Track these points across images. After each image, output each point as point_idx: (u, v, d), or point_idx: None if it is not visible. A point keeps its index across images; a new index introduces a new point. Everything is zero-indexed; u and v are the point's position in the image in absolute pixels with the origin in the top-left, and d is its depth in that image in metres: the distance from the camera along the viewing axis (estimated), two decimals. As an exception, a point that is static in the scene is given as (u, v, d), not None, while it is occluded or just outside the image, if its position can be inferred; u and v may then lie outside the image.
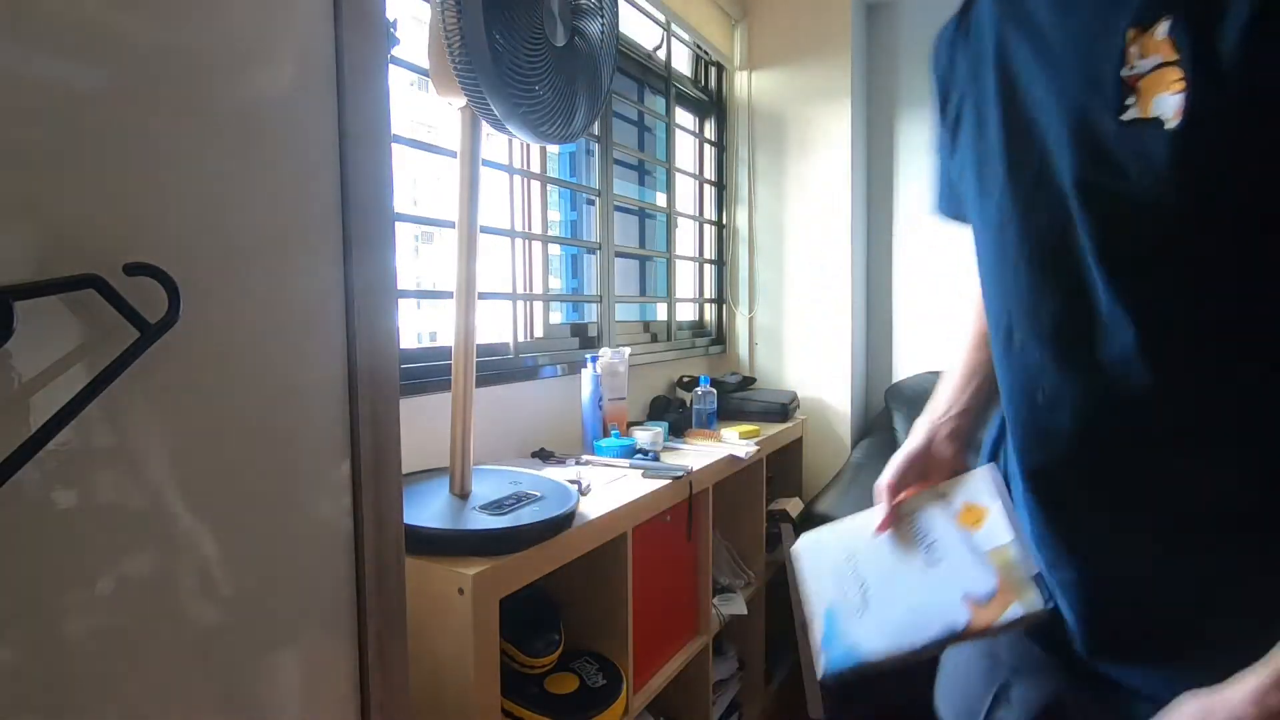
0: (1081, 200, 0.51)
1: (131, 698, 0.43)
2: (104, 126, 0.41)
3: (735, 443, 1.63)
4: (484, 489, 1.06)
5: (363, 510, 0.56)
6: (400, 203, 0.85)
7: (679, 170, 2.20)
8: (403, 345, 1.24)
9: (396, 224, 0.62)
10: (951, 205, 0.74)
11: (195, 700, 0.46)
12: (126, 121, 0.42)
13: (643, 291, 2.28)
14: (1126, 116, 0.48)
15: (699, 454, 1.52)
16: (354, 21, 0.54)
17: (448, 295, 1.02)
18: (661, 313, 2.20)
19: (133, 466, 0.43)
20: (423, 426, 1.20)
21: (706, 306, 2.45)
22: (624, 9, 1.82)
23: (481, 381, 1.35)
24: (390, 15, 0.85)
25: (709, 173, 2.40)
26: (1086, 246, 0.52)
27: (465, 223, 0.98)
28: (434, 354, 1.32)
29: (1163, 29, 0.46)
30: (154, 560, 0.44)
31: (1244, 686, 0.46)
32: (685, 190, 2.34)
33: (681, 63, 2.29)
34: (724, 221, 2.44)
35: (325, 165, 0.53)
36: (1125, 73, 0.48)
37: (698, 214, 2.39)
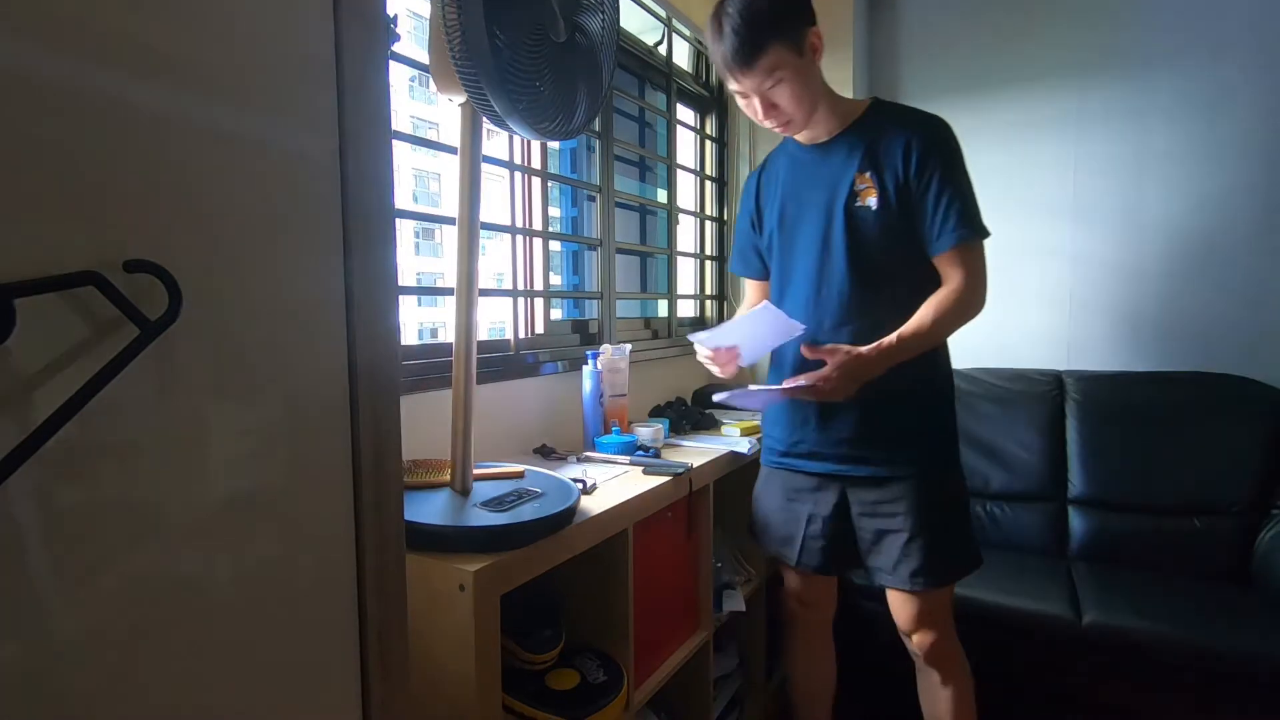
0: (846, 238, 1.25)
1: (131, 696, 0.43)
2: (104, 124, 0.41)
3: (736, 439, 1.63)
4: (485, 486, 1.06)
5: (363, 508, 0.56)
6: (401, 199, 0.85)
7: (680, 166, 2.20)
8: (404, 342, 1.24)
9: (397, 221, 0.62)
10: (747, 267, 1.48)
11: (195, 699, 0.46)
12: (126, 119, 0.42)
13: (644, 288, 2.28)
14: (857, 203, 1.23)
15: (700, 451, 1.52)
16: (353, 18, 0.54)
17: (448, 292, 1.02)
18: (662, 309, 2.20)
19: (133, 464, 0.43)
20: (424, 423, 1.21)
21: (708, 303, 2.45)
22: (625, 5, 1.81)
23: (482, 378, 1.35)
24: (390, 11, 0.85)
25: (710, 169, 2.40)
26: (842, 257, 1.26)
27: (466, 219, 0.98)
28: (435, 350, 1.32)
29: (868, 174, 1.23)
30: (154, 558, 0.44)
31: (873, 345, 1.18)
32: (686, 186, 2.34)
33: (682, 58, 2.28)
34: (725, 217, 2.43)
35: (325, 162, 0.53)
36: (856, 188, 1.23)
37: (698, 210, 2.39)
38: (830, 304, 1.26)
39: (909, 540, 1.23)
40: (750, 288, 1.51)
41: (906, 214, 1.20)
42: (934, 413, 1.27)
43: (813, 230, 1.29)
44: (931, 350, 1.23)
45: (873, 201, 1.21)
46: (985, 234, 1.20)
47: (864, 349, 1.17)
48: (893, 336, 1.18)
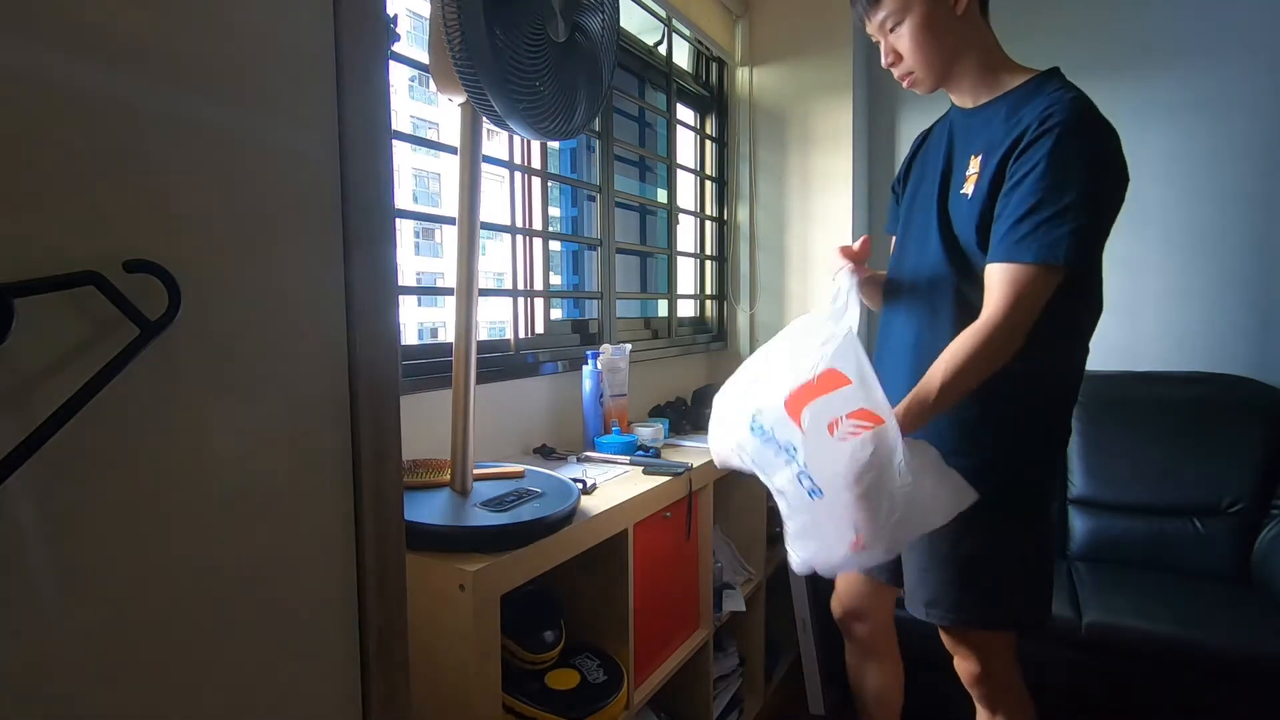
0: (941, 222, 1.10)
1: (131, 697, 0.43)
2: (104, 124, 0.41)
3: (736, 439, 1.62)
4: (485, 486, 1.06)
5: (363, 508, 0.56)
6: (401, 199, 0.85)
7: (680, 166, 2.20)
8: (404, 342, 1.24)
9: (397, 221, 0.62)
10: (894, 226, 1.27)
11: (195, 699, 0.46)
12: (127, 119, 0.42)
13: (644, 288, 2.28)
14: (961, 190, 1.06)
15: (700, 451, 1.52)
16: (353, 18, 0.54)
17: (448, 292, 1.02)
18: (662, 309, 2.20)
19: (133, 464, 0.43)
20: (424, 423, 1.21)
21: (707, 303, 2.45)
22: (625, 5, 1.81)
23: (482, 378, 1.35)
24: (390, 11, 0.85)
25: (710, 168, 2.40)
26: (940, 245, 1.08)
27: (466, 219, 0.98)
28: (435, 350, 1.32)
29: (980, 157, 1.04)
30: (153, 558, 0.44)
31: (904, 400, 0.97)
32: (686, 186, 2.34)
33: (682, 58, 2.28)
34: (725, 217, 2.43)
35: (325, 162, 0.53)
36: (967, 172, 1.06)
37: (698, 210, 2.39)
38: (930, 304, 1.09)
39: (924, 569, 1.09)
40: None
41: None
42: (1011, 434, 1.04)
43: (925, 211, 1.12)
44: (1027, 358, 0.98)
45: (970, 191, 1.03)
46: (1057, 259, 0.92)
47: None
48: (901, 405, 0.97)
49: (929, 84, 1.09)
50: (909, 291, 1.14)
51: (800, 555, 0.97)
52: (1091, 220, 0.94)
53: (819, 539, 0.93)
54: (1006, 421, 1.04)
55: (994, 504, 0.97)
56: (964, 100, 1.11)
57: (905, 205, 1.20)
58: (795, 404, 0.94)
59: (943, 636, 1.15)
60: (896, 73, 1.11)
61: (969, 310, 1.02)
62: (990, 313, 0.96)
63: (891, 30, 1.06)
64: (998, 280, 0.96)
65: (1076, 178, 0.93)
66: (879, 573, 1.21)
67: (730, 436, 1.03)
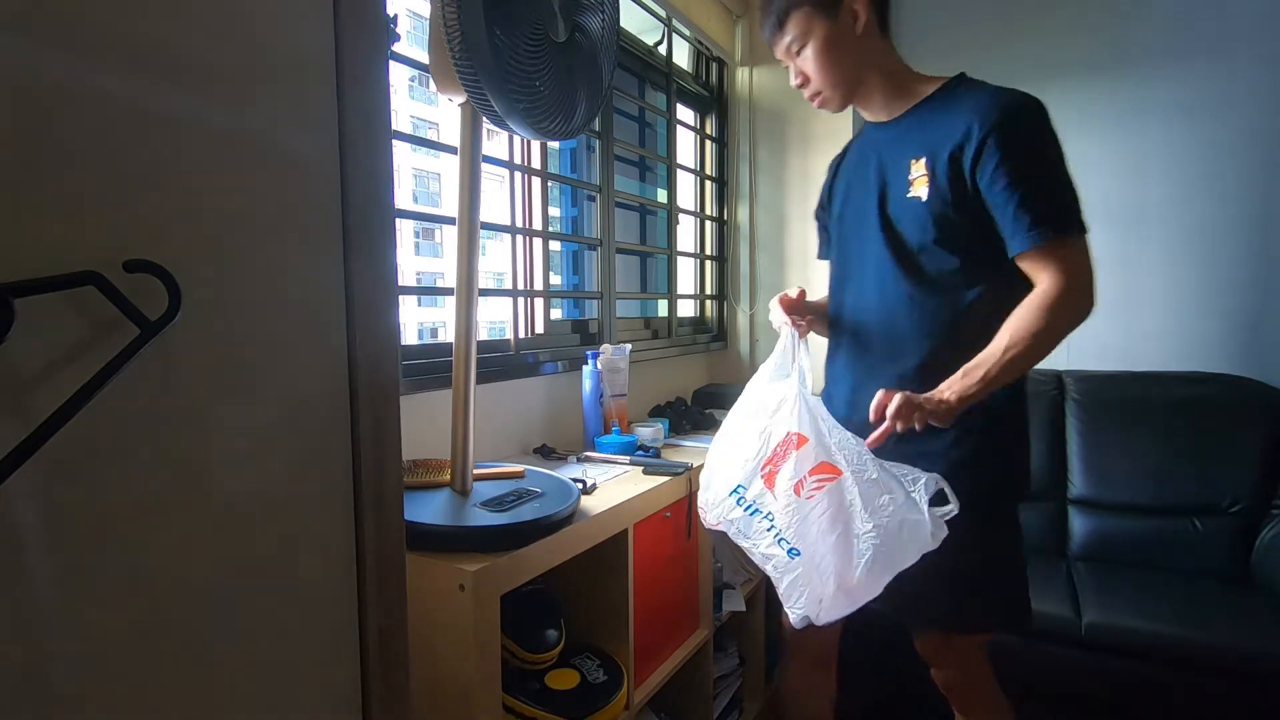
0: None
1: (131, 697, 0.43)
2: (104, 124, 0.41)
3: (736, 439, 1.62)
4: (485, 486, 1.06)
5: (363, 508, 0.56)
6: (401, 199, 0.85)
7: (680, 166, 2.20)
8: (404, 342, 1.24)
9: (397, 221, 0.62)
10: (827, 249, 1.29)
11: (195, 698, 0.46)
12: (126, 119, 0.42)
13: (644, 288, 2.28)
14: (908, 194, 1.07)
15: (700, 451, 1.52)
16: (353, 18, 0.54)
17: (448, 292, 1.02)
18: (662, 309, 2.20)
19: (133, 464, 0.43)
20: (424, 423, 1.21)
21: (707, 303, 2.45)
22: (625, 5, 1.81)
23: (482, 378, 1.35)
24: (390, 11, 0.85)
25: (710, 168, 2.40)
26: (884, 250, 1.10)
27: (466, 219, 0.98)
28: (435, 350, 1.32)
29: (923, 160, 1.05)
30: (153, 558, 0.44)
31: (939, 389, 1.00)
32: (686, 186, 2.34)
33: (682, 58, 2.28)
34: (725, 217, 2.43)
35: (325, 162, 0.53)
36: (910, 176, 1.07)
37: (698, 210, 2.39)
38: (881, 314, 1.11)
39: (905, 575, 1.00)
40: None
41: (965, 210, 1.01)
42: (980, 438, 1.05)
43: (862, 223, 1.13)
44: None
45: (924, 192, 1.04)
46: (1071, 230, 0.98)
47: (924, 396, 0.98)
48: (959, 374, 0.99)
49: (837, 102, 1.14)
50: (855, 306, 1.16)
51: (794, 611, 1.01)
52: (1071, 186, 1.01)
53: (807, 594, 0.99)
54: (975, 425, 1.04)
55: (970, 508, 0.96)
56: (878, 115, 1.15)
57: (835, 226, 1.23)
58: (770, 475, 1.02)
59: (919, 644, 1.15)
60: (806, 93, 1.16)
61: (923, 312, 1.06)
62: (1047, 288, 0.98)
63: (797, 53, 1.12)
64: (1038, 262, 0.99)
65: (1043, 156, 1.00)
66: None
67: (718, 509, 1.09)
